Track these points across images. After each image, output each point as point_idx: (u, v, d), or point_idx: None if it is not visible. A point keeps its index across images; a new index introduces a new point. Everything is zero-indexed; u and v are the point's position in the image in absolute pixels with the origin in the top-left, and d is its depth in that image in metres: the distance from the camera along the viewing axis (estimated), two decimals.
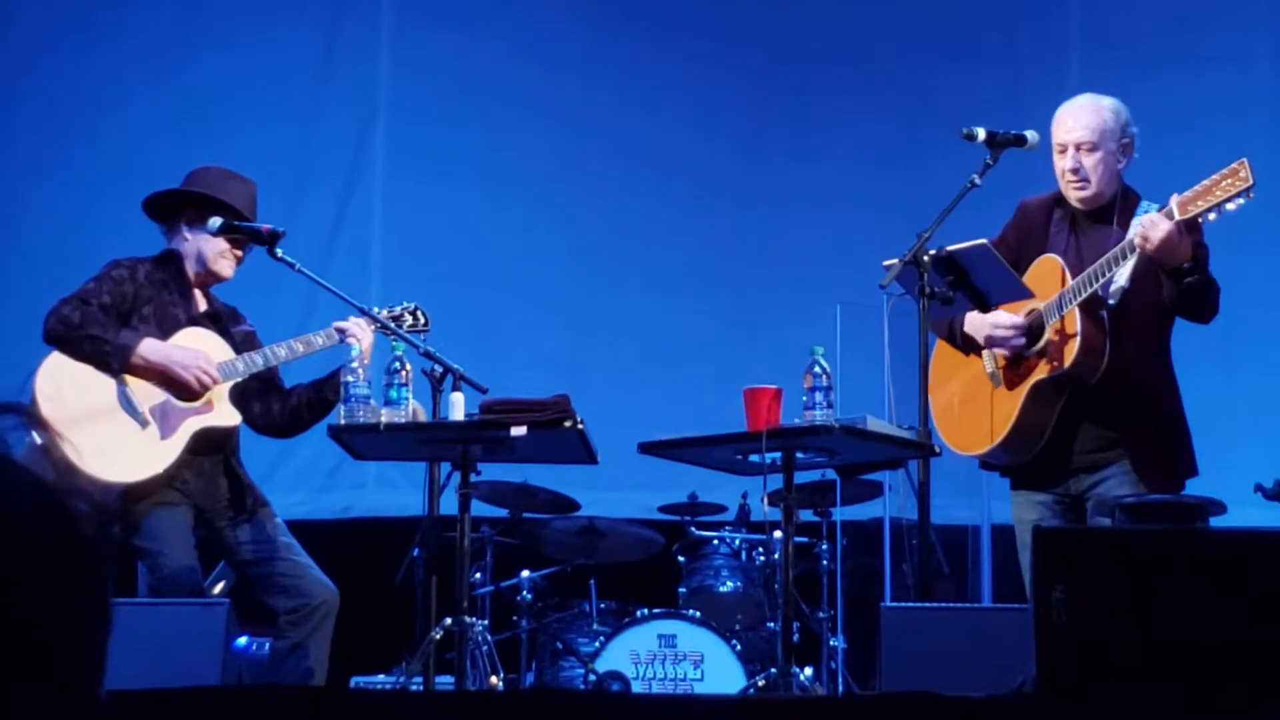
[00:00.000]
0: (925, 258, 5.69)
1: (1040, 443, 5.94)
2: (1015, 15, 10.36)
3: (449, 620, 5.99)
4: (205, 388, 6.03)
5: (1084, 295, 5.76)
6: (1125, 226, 5.93)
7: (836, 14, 10.45)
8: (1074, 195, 6.01)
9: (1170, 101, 9.54)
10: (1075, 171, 5.95)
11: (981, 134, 5.90)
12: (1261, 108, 9.81)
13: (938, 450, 5.78)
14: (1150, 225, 5.55)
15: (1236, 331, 9.17)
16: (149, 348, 6.00)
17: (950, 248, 5.75)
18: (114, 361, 5.97)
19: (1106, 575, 4.51)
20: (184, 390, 6.03)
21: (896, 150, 10.13)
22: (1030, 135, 5.97)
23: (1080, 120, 5.98)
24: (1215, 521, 5.72)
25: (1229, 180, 5.48)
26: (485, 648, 6.54)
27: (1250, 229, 8.09)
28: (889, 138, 10.21)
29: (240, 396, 6.27)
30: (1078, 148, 5.95)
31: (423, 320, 6.53)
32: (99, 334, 5.96)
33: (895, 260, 5.73)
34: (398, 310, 6.51)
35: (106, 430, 5.93)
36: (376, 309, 6.42)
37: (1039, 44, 10.25)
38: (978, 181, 5.79)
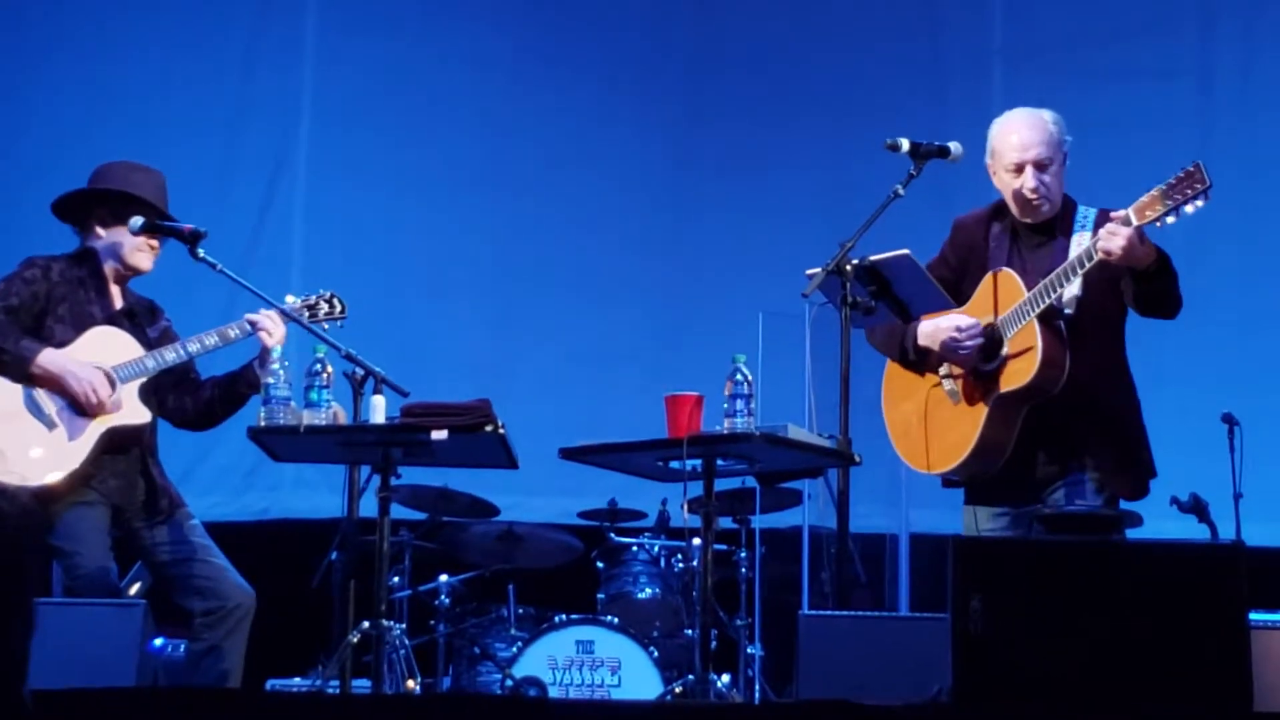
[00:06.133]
0: (848, 267, 5.68)
1: (1005, 456, 5.90)
2: (939, 25, 10.40)
3: (366, 624, 5.96)
4: (94, 405, 6.00)
5: (1042, 307, 5.74)
6: (1067, 235, 5.91)
7: (763, 22, 10.47)
8: (1035, 213, 5.97)
9: (1093, 113, 9.58)
10: (1036, 190, 5.90)
11: (905, 145, 5.85)
12: (1186, 120, 9.88)
13: (858, 459, 5.76)
14: (1109, 236, 5.54)
15: (1157, 347, 9.24)
16: (47, 358, 5.97)
17: (873, 258, 5.73)
18: (11, 371, 5.96)
19: (1024, 586, 4.54)
20: (77, 401, 6.01)
21: (820, 159, 10.14)
22: (954, 147, 5.90)
23: (1033, 137, 5.92)
24: (1132, 534, 5.75)
25: (1186, 183, 5.43)
26: (402, 652, 6.54)
27: (1172, 243, 8.15)
28: (813, 146, 10.22)
29: (155, 391, 6.25)
30: (1037, 166, 5.92)
31: (339, 308, 6.47)
32: None
33: (818, 269, 5.71)
34: (313, 299, 6.46)
35: (13, 433, 5.91)
36: (292, 298, 6.38)
37: (963, 54, 10.30)
38: (901, 192, 5.75)
